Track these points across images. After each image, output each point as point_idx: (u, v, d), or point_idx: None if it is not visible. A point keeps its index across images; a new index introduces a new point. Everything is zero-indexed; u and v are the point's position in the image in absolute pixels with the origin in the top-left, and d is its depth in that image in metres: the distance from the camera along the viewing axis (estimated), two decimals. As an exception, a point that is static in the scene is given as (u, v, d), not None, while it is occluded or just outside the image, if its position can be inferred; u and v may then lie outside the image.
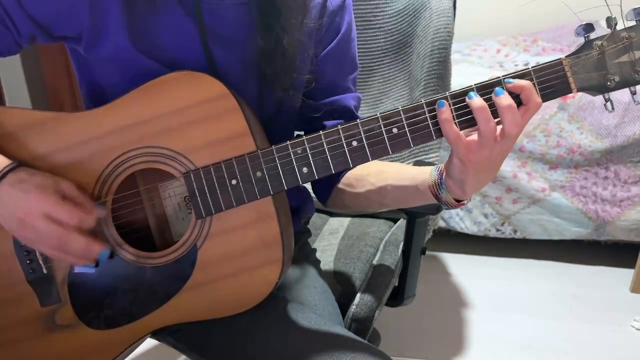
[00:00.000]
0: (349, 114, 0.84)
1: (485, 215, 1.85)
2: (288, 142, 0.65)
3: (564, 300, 1.71)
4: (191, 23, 0.70)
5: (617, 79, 0.60)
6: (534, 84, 0.60)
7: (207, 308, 0.70)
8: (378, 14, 1.28)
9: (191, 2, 0.69)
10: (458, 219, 1.89)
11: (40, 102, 2.29)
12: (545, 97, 0.61)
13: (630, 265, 1.75)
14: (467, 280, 1.83)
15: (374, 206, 0.82)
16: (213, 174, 0.66)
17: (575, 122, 1.69)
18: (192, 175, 0.66)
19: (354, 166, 0.65)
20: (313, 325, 0.73)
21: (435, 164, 0.71)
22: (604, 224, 1.73)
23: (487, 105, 0.59)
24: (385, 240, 1.10)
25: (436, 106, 0.61)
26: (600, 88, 0.61)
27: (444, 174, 0.67)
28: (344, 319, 0.88)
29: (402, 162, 1.23)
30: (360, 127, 0.63)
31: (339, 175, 0.82)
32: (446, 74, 1.19)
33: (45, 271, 0.70)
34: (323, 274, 0.92)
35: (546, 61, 0.61)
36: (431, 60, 1.18)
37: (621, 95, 1.50)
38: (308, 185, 0.93)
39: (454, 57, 1.42)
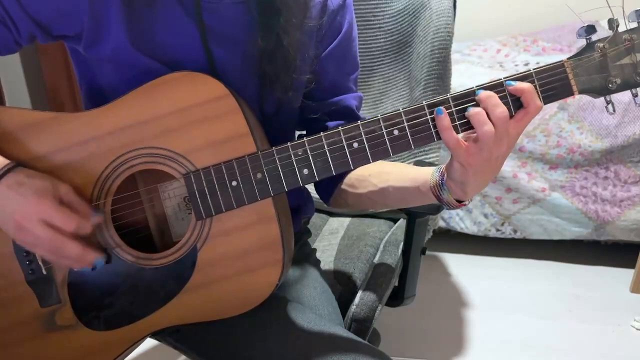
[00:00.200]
0: (350, 114, 0.83)
1: (485, 215, 1.85)
2: (289, 144, 0.64)
3: (564, 300, 1.71)
4: (191, 22, 0.70)
5: (618, 81, 0.60)
6: (535, 86, 0.60)
7: (207, 309, 0.70)
8: (378, 14, 1.28)
9: (191, 1, 0.69)
10: (458, 219, 1.89)
11: (40, 102, 2.29)
12: (547, 100, 0.61)
13: (630, 265, 1.75)
14: (467, 280, 1.83)
15: (376, 206, 0.82)
16: (213, 175, 0.66)
17: (575, 122, 1.69)
18: (192, 176, 0.66)
19: (355, 168, 0.65)
20: (313, 325, 0.73)
21: (436, 164, 0.70)
22: (604, 224, 1.73)
23: (482, 110, 0.59)
24: (385, 240, 1.10)
25: (435, 114, 0.61)
26: (602, 90, 0.61)
27: (445, 175, 0.67)
28: (344, 319, 0.88)
29: (402, 162, 1.23)
30: (361, 128, 0.63)
31: (341, 175, 0.82)
32: (446, 74, 1.20)
33: (44, 272, 0.69)
34: (323, 274, 0.92)
35: (547, 63, 0.61)
36: (431, 60, 1.18)
37: (621, 96, 1.50)
38: (309, 186, 0.93)
39: (454, 57, 1.42)
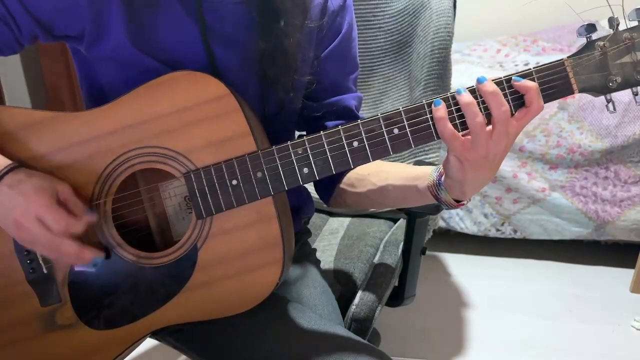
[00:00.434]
0: (350, 114, 0.83)
1: (485, 215, 1.85)
2: (289, 143, 0.64)
3: (564, 300, 1.71)
4: (192, 22, 0.70)
5: (619, 80, 0.60)
6: (535, 84, 0.60)
7: (208, 308, 0.70)
8: (378, 14, 1.28)
9: (192, 1, 0.69)
10: (458, 219, 1.89)
11: (40, 102, 2.29)
12: (547, 98, 0.61)
13: (630, 265, 1.75)
14: (467, 280, 1.83)
15: (376, 205, 0.82)
16: (213, 174, 0.66)
17: (575, 122, 1.69)
18: (192, 175, 0.66)
19: (355, 167, 0.65)
20: (313, 325, 0.73)
21: (436, 164, 0.70)
22: (604, 224, 1.73)
23: (474, 101, 0.59)
24: (385, 240, 1.10)
25: (433, 104, 0.61)
26: (602, 89, 0.61)
27: (443, 175, 0.67)
28: (344, 319, 0.88)
29: (402, 161, 1.23)
30: (361, 127, 0.63)
31: (340, 175, 0.82)
32: (446, 74, 1.20)
33: (45, 271, 0.69)
34: (323, 274, 0.92)
35: (548, 61, 0.61)
36: (431, 60, 1.18)
37: (621, 95, 1.50)
38: (308, 185, 0.93)
39: (454, 57, 1.42)
